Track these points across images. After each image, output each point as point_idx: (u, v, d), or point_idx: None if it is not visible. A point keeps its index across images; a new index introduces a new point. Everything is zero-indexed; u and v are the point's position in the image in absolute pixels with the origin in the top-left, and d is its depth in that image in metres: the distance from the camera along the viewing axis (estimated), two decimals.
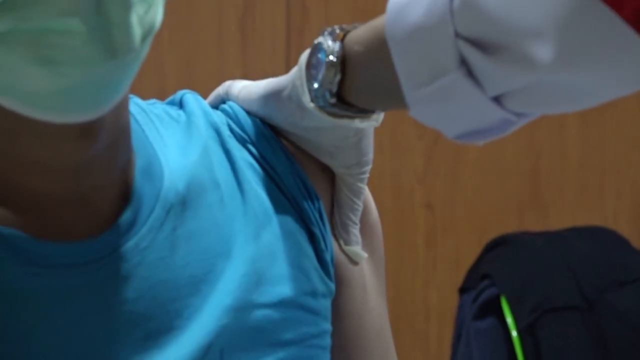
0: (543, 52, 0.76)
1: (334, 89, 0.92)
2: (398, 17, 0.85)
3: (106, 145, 0.87)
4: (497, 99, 0.82)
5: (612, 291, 2.27)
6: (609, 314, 2.25)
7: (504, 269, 2.28)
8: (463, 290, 2.31)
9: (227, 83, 1.09)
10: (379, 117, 0.99)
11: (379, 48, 0.89)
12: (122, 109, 0.90)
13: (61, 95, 0.79)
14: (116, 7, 0.73)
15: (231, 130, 1.07)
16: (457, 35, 0.80)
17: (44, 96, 0.79)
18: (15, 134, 0.81)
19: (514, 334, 2.18)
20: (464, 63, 0.80)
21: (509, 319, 2.18)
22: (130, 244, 0.90)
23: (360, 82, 0.95)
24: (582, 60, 0.77)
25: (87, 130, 0.82)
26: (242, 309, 0.96)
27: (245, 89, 1.05)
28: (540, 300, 2.20)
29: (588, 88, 0.84)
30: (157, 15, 0.81)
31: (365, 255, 1.08)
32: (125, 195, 0.91)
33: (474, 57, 0.80)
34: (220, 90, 1.08)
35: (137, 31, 0.76)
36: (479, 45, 0.81)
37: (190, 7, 2.90)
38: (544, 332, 2.19)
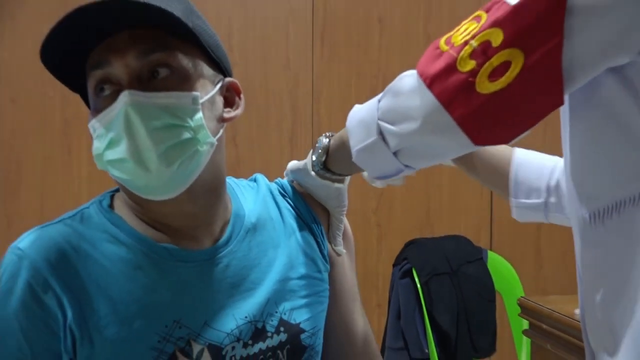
0: (409, 127, 1.11)
1: (322, 160, 1.34)
2: (352, 115, 1.23)
3: (207, 202, 1.24)
4: (395, 154, 1.16)
5: (464, 265, 3.09)
6: (463, 276, 3.06)
7: (414, 255, 3.03)
8: (394, 265, 3.08)
9: (289, 164, 1.45)
10: (346, 182, 1.40)
11: (341, 142, 1.30)
12: (213, 185, 1.24)
13: (146, 188, 1.16)
14: (147, 152, 1.10)
15: (279, 191, 1.42)
16: (378, 117, 1.16)
17: (141, 187, 1.16)
18: (148, 202, 1.18)
19: (419, 286, 2.94)
20: (380, 132, 1.15)
21: (416, 279, 2.94)
22: (227, 250, 1.26)
23: (334, 158, 1.34)
24: (432, 135, 1.10)
25: (184, 200, 1.17)
26: (283, 280, 1.30)
27: (293, 163, 1.44)
28: (430, 270, 2.98)
29: (436, 152, 1.16)
30: (190, 146, 1.14)
31: (344, 251, 1.45)
32: (225, 224, 1.28)
33: (386, 128, 1.15)
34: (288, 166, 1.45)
35: (163, 160, 1.11)
36: (388, 122, 1.14)
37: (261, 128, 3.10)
38: (432, 285, 2.95)
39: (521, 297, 2.50)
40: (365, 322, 1.42)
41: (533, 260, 3.82)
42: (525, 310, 2.37)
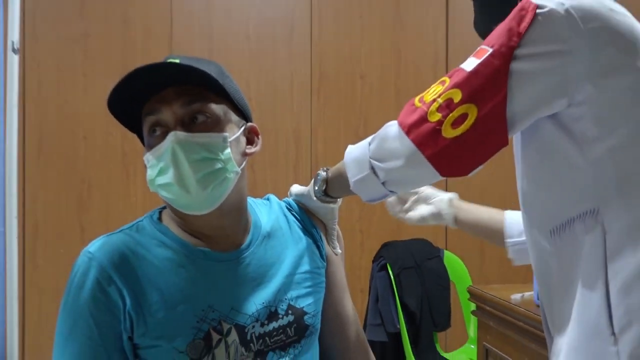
0: (394, 164, 1.11)
1: (322, 189, 1.33)
2: (348, 154, 1.21)
3: (233, 217, 1.24)
4: (383, 184, 1.15)
5: (426, 261, 3.09)
6: (425, 270, 3.07)
7: (388, 254, 3.01)
8: (373, 261, 3.07)
9: (292, 187, 1.44)
10: (339, 203, 1.38)
11: (339, 173, 1.28)
12: (238, 203, 1.24)
13: (187, 206, 1.17)
14: (187, 178, 1.11)
15: (286, 207, 1.40)
16: (370, 156, 1.16)
17: (183, 205, 1.17)
18: (188, 216, 1.19)
19: (392, 277, 2.95)
20: (371, 167, 1.15)
21: (390, 272, 2.94)
22: (248, 252, 1.25)
23: (333, 183, 1.32)
24: (410, 170, 1.11)
25: (216, 215, 1.18)
26: (291, 275, 1.28)
27: (298, 187, 1.43)
28: (400, 265, 2.98)
29: (413, 181, 1.18)
30: (221, 174, 1.14)
31: (340, 251, 1.43)
32: (246, 232, 1.26)
33: (376, 165, 1.14)
34: (290, 189, 1.43)
35: (201, 185, 1.12)
36: (377, 160, 1.14)
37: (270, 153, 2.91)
38: (402, 276, 2.96)
39: (469, 285, 2.47)
40: (352, 306, 1.40)
41: (479, 257, 3.79)
42: (473, 295, 2.34)
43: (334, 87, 3.65)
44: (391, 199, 1.56)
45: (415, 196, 1.57)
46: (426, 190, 1.55)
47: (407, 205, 1.59)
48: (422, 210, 1.55)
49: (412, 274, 3.03)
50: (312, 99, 3.64)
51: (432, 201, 1.54)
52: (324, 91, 3.64)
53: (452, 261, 3.20)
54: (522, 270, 1.69)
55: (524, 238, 1.40)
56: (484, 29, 1.23)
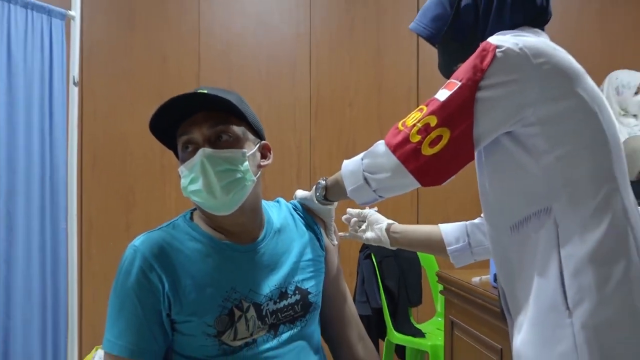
0: (383, 176, 1.10)
1: (322, 194, 1.32)
2: (344, 167, 1.20)
3: (251, 216, 1.22)
4: (374, 191, 1.15)
5: (402, 251, 2.54)
6: (402, 258, 3.00)
7: (372, 245, 2.38)
8: (360, 252, 3.01)
9: (296, 192, 1.42)
10: (335, 205, 1.36)
11: (336, 182, 1.27)
12: (254, 205, 1.22)
13: (213, 208, 1.16)
14: (214, 186, 1.11)
15: (293, 208, 1.37)
16: (363, 169, 1.14)
17: (210, 207, 1.16)
18: (214, 216, 1.18)
19: (375, 264, 2.91)
20: (365, 178, 1.14)
21: (374, 260, 2.90)
22: (263, 244, 1.23)
23: (331, 190, 1.30)
24: (396, 180, 1.09)
25: (237, 214, 1.17)
26: (297, 262, 1.26)
27: (301, 192, 1.40)
28: (382, 254, 2.91)
29: (398, 188, 1.13)
30: (241, 182, 1.13)
31: (337, 242, 1.41)
32: (260, 228, 1.25)
33: (368, 176, 1.14)
34: (296, 194, 1.41)
35: (224, 191, 1.11)
36: (369, 172, 1.14)
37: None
38: (384, 263, 2.93)
39: (438, 271, 2.43)
40: (345, 286, 1.39)
41: None
42: (441, 278, 2.32)
43: (328, 113, 3.64)
44: (352, 220, 1.58)
45: (366, 222, 1.57)
46: (374, 215, 1.54)
47: (363, 227, 1.59)
48: (368, 234, 1.56)
49: (391, 262, 2.99)
50: (310, 122, 3.62)
51: (375, 228, 1.53)
52: (320, 115, 3.64)
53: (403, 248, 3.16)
54: None
55: (460, 244, 1.43)
56: (446, 70, 1.24)
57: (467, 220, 1.51)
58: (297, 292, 1.23)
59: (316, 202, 1.33)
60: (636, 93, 3.03)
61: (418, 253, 3.09)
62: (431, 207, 3.60)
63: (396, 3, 3.67)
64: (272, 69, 3.60)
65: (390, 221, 1.51)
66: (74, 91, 2.47)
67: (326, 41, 3.63)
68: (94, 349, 2.33)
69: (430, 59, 3.67)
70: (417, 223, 3.51)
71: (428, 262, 3.15)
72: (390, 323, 2.85)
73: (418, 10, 3.36)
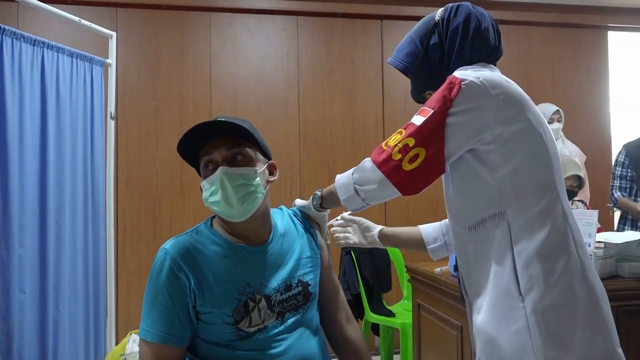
0: (371, 187, 1.05)
1: (319, 203, 1.25)
2: (337, 181, 1.15)
3: (261, 222, 1.16)
4: (363, 200, 1.09)
5: (376, 248, 2.57)
6: (375, 253, 2.93)
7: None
8: (342, 248, 2.85)
9: (295, 201, 1.35)
10: (328, 211, 1.28)
11: (329, 193, 1.21)
12: (264, 213, 1.16)
13: (230, 216, 1.10)
14: (231, 198, 1.06)
15: (293, 214, 1.30)
16: (354, 182, 1.09)
17: (228, 215, 1.10)
18: (231, 222, 1.12)
19: (354, 258, 2.78)
20: (355, 190, 1.09)
21: (353, 255, 2.83)
22: (271, 246, 1.17)
23: (326, 199, 1.23)
24: (381, 191, 1.04)
25: (250, 221, 1.12)
26: (298, 259, 1.20)
27: (300, 201, 1.33)
28: (360, 250, 2.83)
29: (383, 197, 1.08)
30: (254, 194, 1.08)
31: (329, 241, 1.34)
32: (269, 232, 1.18)
33: (358, 188, 1.09)
34: (295, 202, 1.34)
35: (240, 201, 1.06)
36: (359, 185, 1.09)
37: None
38: (361, 258, 2.84)
39: (406, 264, 2.34)
40: (336, 278, 1.32)
41: None
42: (409, 269, 2.24)
43: (313, 140, 3.59)
44: (338, 227, 1.43)
45: (361, 226, 1.45)
46: (366, 223, 1.42)
47: (349, 230, 1.45)
48: (360, 238, 1.42)
49: (367, 256, 2.92)
50: (299, 148, 3.56)
51: (368, 235, 1.41)
52: (307, 142, 3.58)
53: (391, 248, 3.10)
54: None
55: (438, 244, 1.37)
56: (417, 95, 1.21)
57: (424, 220, 1.47)
58: (299, 284, 1.17)
59: (313, 209, 1.27)
60: (550, 122, 3.11)
61: (387, 249, 3.02)
62: (396, 210, 3.58)
63: (365, 54, 3.67)
64: (269, 106, 3.54)
65: (380, 226, 1.44)
66: (111, 124, 2.45)
67: (310, 84, 3.61)
68: (129, 333, 2.24)
69: (393, 98, 3.68)
70: (385, 223, 3.53)
71: (395, 256, 3.10)
72: (367, 306, 2.79)
73: (383, 60, 3.61)
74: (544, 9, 3.80)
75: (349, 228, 1.44)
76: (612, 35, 3.96)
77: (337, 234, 1.43)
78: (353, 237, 1.43)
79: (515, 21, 3.72)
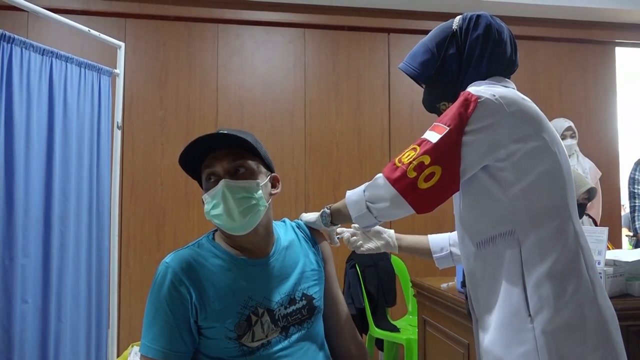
0: (384, 205, 1.03)
1: (329, 220, 1.22)
2: (348, 198, 1.13)
3: (263, 235, 1.14)
4: (375, 217, 1.08)
5: (380, 262, 2.90)
6: (380, 267, 2.91)
7: (357, 257, 2.82)
8: (346, 262, 2.90)
9: (302, 215, 1.32)
10: (337, 226, 1.27)
11: (338, 210, 1.19)
12: (266, 226, 1.13)
13: (232, 229, 1.08)
14: (233, 211, 1.04)
15: (297, 227, 1.28)
16: (366, 199, 1.07)
17: (230, 229, 1.08)
18: (233, 236, 1.10)
19: (359, 272, 2.81)
20: (367, 207, 1.07)
21: (358, 269, 2.80)
22: (274, 259, 1.15)
23: (336, 216, 1.21)
24: (395, 209, 1.02)
25: (252, 234, 1.10)
26: (302, 272, 1.18)
27: (307, 215, 1.30)
28: (364, 264, 2.83)
29: (396, 215, 1.05)
30: (256, 207, 1.06)
31: (338, 244, 1.33)
32: (271, 245, 1.16)
33: (370, 206, 1.07)
34: (302, 216, 1.31)
35: (242, 215, 1.05)
36: (371, 202, 1.07)
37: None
38: (366, 272, 2.83)
39: (412, 278, 2.34)
40: (340, 293, 1.30)
41: (412, 259, 3.59)
42: (415, 284, 2.22)
43: (318, 152, 3.59)
44: (348, 236, 1.36)
45: (372, 232, 1.40)
46: (376, 227, 1.38)
47: (364, 240, 1.39)
48: (376, 242, 1.37)
49: (371, 270, 2.89)
50: (305, 159, 3.55)
51: (383, 236, 1.38)
52: (313, 154, 3.57)
53: (396, 262, 3.08)
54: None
55: (444, 253, 1.35)
56: (430, 105, 1.19)
57: (429, 233, 1.46)
58: (303, 298, 1.15)
59: (323, 226, 1.26)
60: (563, 138, 3.10)
61: (393, 263, 3.00)
62: (402, 223, 3.52)
63: (371, 67, 3.67)
64: (275, 118, 3.54)
65: (390, 230, 1.40)
66: (118, 134, 2.44)
67: (317, 96, 3.61)
68: (130, 345, 2.22)
69: (399, 111, 3.67)
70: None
71: (400, 270, 3.07)
72: (372, 320, 2.75)
73: (390, 73, 3.61)
74: (551, 24, 3.80)
75: (358, 233, 1.42)
76: (619, 51, 3.94)
77: (352, 240, 1.37)
78: (369, 244, 1.39)
79: (522, 36, 3.73)
